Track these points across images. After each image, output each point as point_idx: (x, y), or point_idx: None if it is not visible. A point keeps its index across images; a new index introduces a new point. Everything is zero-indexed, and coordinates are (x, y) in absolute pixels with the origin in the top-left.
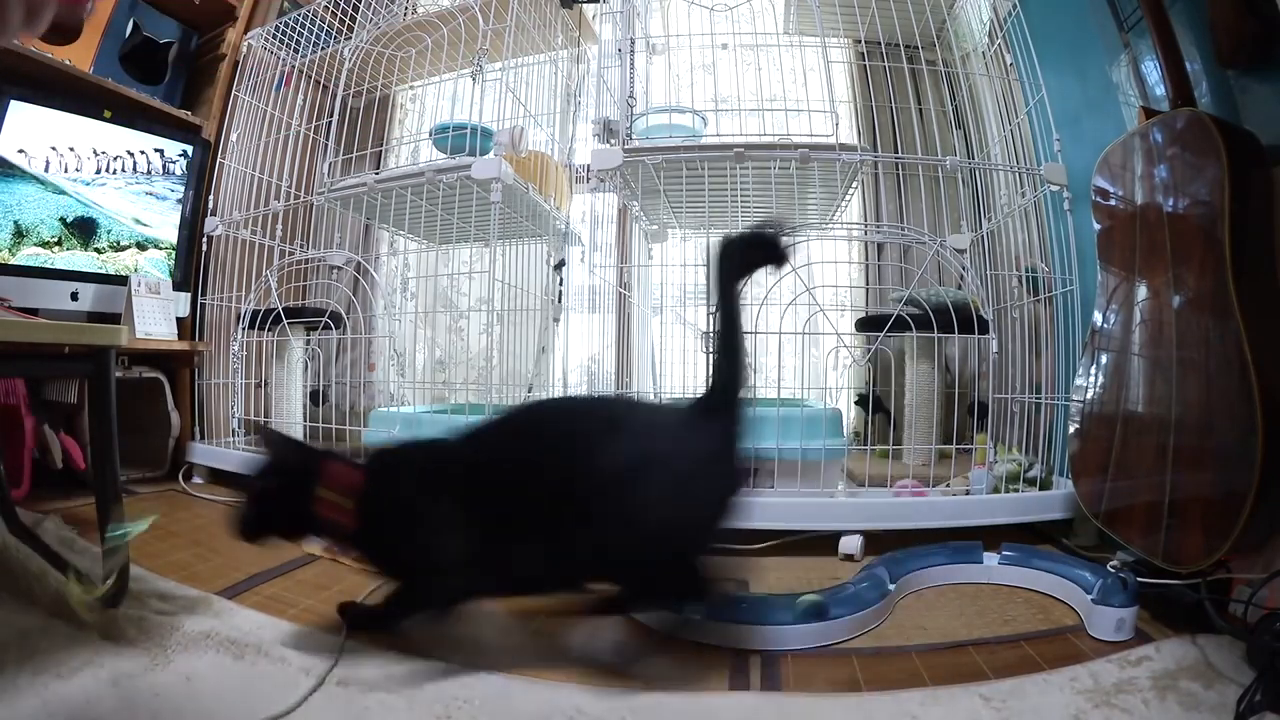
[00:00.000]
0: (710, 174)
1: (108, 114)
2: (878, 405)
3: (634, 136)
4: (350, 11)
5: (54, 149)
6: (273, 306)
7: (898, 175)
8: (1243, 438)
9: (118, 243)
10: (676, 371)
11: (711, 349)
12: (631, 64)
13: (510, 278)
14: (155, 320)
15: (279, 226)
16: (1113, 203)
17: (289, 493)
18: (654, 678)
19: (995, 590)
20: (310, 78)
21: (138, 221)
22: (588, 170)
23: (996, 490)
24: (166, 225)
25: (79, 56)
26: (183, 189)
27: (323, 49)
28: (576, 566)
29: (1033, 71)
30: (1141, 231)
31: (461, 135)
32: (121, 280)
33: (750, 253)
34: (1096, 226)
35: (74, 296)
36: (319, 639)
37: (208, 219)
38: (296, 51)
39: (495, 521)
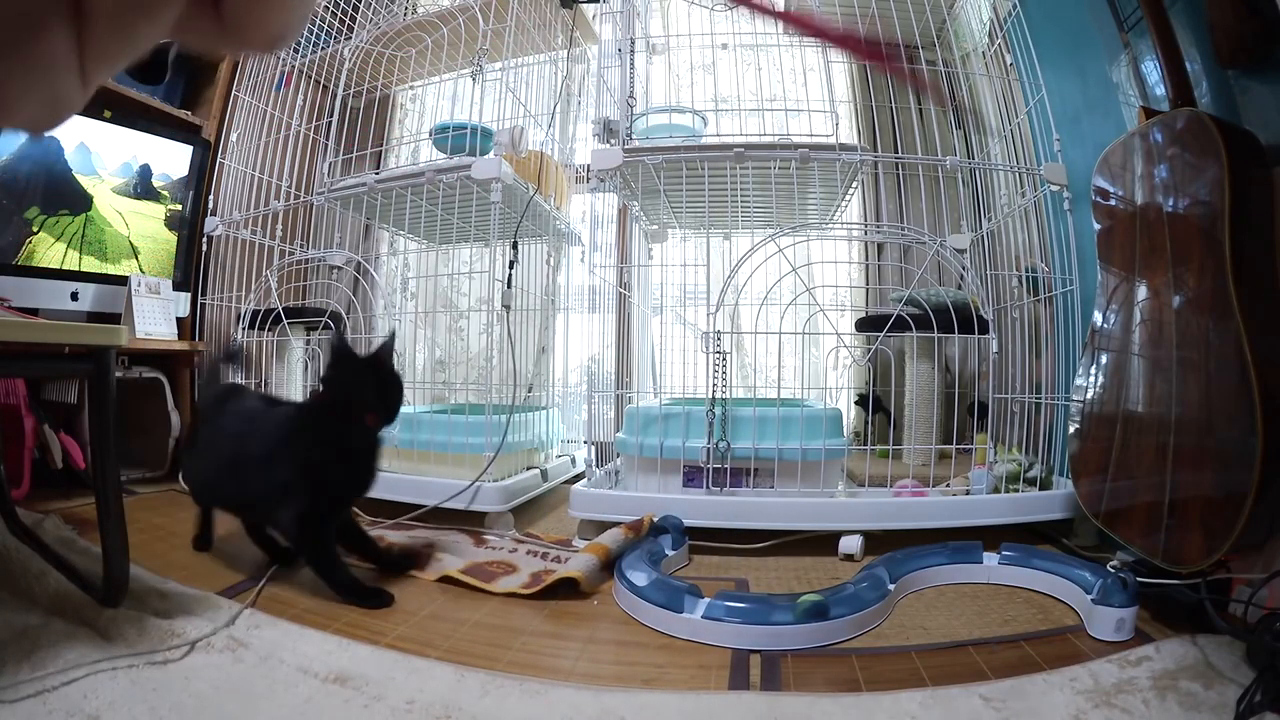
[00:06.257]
0: (710, 174)
1: (108, 114)
2: (878, 405)
3: (634, 136)
4: (350, 11)
5: None
6: (273, 306)
7: (898, 175)
8: (1243, 438)
9: None
10: (676, 371)
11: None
12: (631, 64)
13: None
14: (155, 320)
15: (279, 226)
16: (1113, 203)
17: None
18: None
19: (995, 590)
20: (310, 78)
21: None
22: (588, 170)
23: (996, 490)
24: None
25: None
26: (183, 189)
27: (323, 49)
28: None
29: (1033, 71)
30: (1141, 231)
31: (461, 135)
32: (121, 280)
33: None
34: (1096, 226)
35: (74, 296)
36: (316, 638)
37: (208, 219)
38: (296, 51)
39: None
